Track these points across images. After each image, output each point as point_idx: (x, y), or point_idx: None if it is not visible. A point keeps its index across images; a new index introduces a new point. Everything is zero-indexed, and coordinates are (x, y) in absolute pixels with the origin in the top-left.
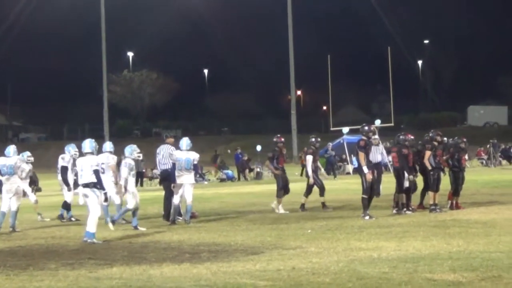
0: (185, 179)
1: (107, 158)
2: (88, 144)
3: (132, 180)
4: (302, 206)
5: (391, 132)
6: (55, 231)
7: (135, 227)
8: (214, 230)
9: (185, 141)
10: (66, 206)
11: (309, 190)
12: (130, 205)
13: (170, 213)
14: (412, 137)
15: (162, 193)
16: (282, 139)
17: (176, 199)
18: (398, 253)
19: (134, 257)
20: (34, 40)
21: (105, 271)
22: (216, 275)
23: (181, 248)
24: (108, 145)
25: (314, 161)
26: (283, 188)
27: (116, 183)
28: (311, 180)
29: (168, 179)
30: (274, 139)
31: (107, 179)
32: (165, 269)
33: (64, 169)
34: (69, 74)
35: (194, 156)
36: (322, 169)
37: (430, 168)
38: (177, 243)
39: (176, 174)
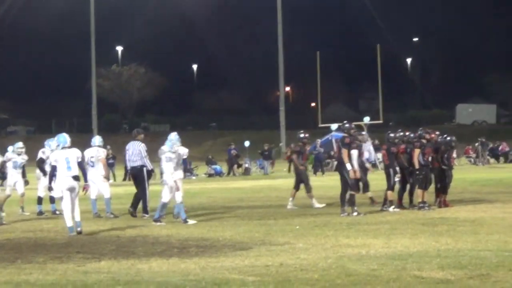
0: (176, 175)
1: (97, 152)
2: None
3: (177, 174)
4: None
5: (380, 129)
6: (43, 225)
7: (156, 220)
8: (202, 225)
9: (173, 136)
10: (40, 200)
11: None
12: (165, 198)
13: (146, 206)
14: (412, 134)
15: (157, 188)
16: (307, 135)
17: (166, 198)
18: (387, 250)
19: (122, 251)
20: (22, 33)
21: (93, 265)
22: (204, 270)
23: (169, 243)
24: (97, 139)
25: (302, 158)
26: (297, 184)
27: (106, 177)
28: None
29: (138, 176)
30: (301, 135)
31: (97, 173)
32: (154, 263)
33: (41, 160)
34: (57, 67)
35: (183, 151)
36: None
37: (417, 166)
38: (166, 237)
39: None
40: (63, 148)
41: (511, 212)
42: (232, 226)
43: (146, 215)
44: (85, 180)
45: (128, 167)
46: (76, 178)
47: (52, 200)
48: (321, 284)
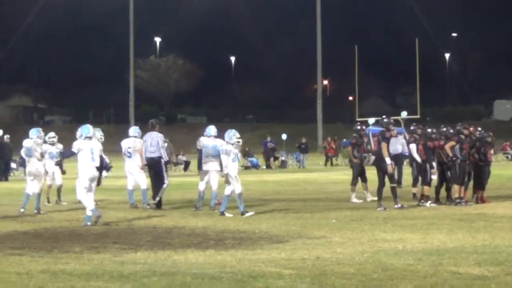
0: (211, 166)
1: (134, 142)
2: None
3: (234, 166)
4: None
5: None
6: (79, 214)
7: (243, 213)
8: (238, 218)
9: (212, 129)
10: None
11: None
12: (237, 189)
13: (161, 200)
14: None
15: (187, 179)
16: (364, 127)
17: (201, 186)
18: (423, 246)
19: (159, 242)
20: (61, 23)
21: (129, 256)
22: (241, 262)
23: (205, 235)
24: (133, 130)
25: (359, 150)
26: (358, 177)
27: (143, 168)
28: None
29: (154, 167)
30: (357, 127)
31: (133, 163)
32: (190, 255)
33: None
34: (96, 58)
35: (221, 143)
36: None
37: (448, 158)
38: (202, 229)
39: (202, 161)
40: (86, 138)
41: None
42: (269, 219)
43: (148, 206)
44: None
45: (144, 158)
46: (98, 169)
47: None
48: (357, 278)
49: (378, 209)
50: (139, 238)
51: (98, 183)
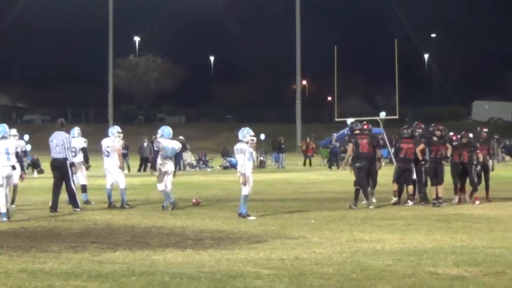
0: (169, 167)
1: (113, 142)
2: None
3: (249, 164)
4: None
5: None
6: (58, 214)
7: (243, 215)
8: (217, 217)
9: (168, 130)
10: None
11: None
12: (245, 191)
13: (57, 204)
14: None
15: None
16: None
17: (160, 187)
18: (402, 246)
19: (137, 242)
20: (40, 22)
21: (108, 255)
22: (219, 262)
23: (184, 234)
24: (113, 129)
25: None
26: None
27: (121, 167)
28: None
29: (59, 167)
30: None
31: (112, 163)
32: (168, 254)
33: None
34: (75, 57)
35: (178, 145)
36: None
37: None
38: (180, 229)
39: (160, 162)
40: (2, 138)
41: None
42: (247, 219)
43: (127, 206)
44: (22, 169)
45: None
46: (13, 167)
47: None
48: (336, 278)
49: (370, 207)
50: (117, 238)
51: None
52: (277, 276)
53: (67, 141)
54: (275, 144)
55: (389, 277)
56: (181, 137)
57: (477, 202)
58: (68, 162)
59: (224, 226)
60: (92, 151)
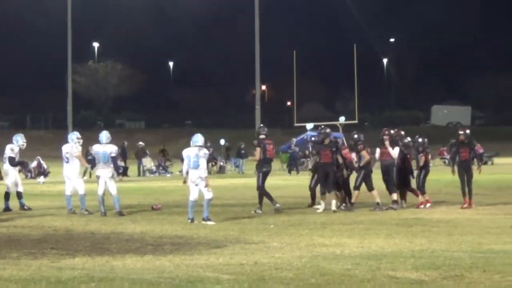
0: (103, 173)
1: (72, 148)
2: None
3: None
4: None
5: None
6: (17, 220)
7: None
8: (176, 223)
9: (104, 134)
10: (7, 196)
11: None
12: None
13: None
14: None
15: (127, 184)
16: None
17: (99, 190)
18: (361, 250)
19: (97, 248)
20: None
21: (67, 261)
22: (179, 267)
23: (143, 240)
24: (73, 135)
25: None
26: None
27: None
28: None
29: None
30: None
31: (71, 169)
32: (128, 260)
33: (12, 160)
34: (33, 62)
35: (112, 149)
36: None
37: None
38: (140, 234)
39: (97, 167)
40: None
41: (485, 213)
42: (207, 224)
43: (86, 212)
44: None
45: None
46: None
47: (19, 196)
48: (295, 283)
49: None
50: (77, 244)
51: None
52: (237, 281)
53: None
54: (228, 150)
55: (348, 282)
56: (140, 143)
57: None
58: None
59: (184, 231)
60: (50, 157)
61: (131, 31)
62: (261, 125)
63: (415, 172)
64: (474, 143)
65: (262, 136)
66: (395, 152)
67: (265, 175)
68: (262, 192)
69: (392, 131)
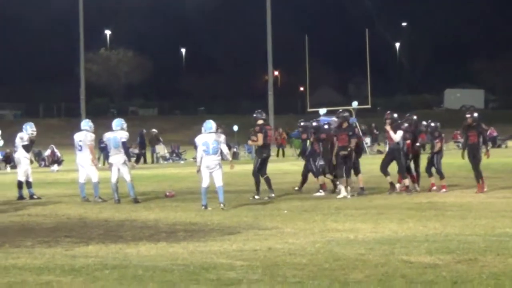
0: (115, 160)
1: (85, 136)
2: None
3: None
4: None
5: (367, 114)
6: (30, 209)
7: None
8: (190, 210)
9: (115, 121)
10: (20, 185)
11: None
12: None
13: None
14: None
15: (140, 172)
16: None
17: (113, 178)
18: (375, 235)
19: (110, 236)
20: (10, 17)
21: (81, 249)
22: (192, 254)
23: (157, 227)
24: (84, 123)
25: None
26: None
27: (93, 161)
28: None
29: None
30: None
31: (84, 156)
32: (142, 248)
33: (27, 147)
34: (46, 51)
35: (122, 134)
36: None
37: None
38: (154, 222)
39: (110, 154)
40: None
41: (498, 197)
42: (220, 210)
43: (100, 200)
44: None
45: None
46: None
47: (28, 185)
48: (309, 268)
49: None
50: (90, 232)
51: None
52: (251, 267)
53: None
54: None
55: (362, 266)
56: (154, 130)
57: (443, 190)
58: None
59: (197, 218)
60: (64, 145)
61: (143, 18)
62: (259, 110)
63: (428, 156)
64: (482, 126)
65: (260, 122)
66: (397, 136)
67: (264, 160)
68: (256, 178)
69: (395, 115)
